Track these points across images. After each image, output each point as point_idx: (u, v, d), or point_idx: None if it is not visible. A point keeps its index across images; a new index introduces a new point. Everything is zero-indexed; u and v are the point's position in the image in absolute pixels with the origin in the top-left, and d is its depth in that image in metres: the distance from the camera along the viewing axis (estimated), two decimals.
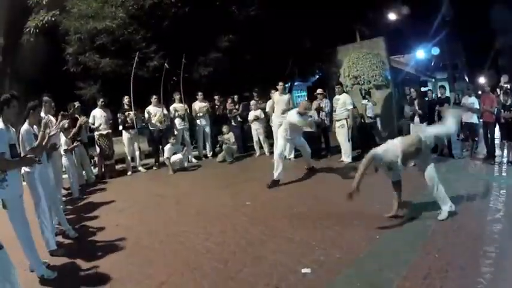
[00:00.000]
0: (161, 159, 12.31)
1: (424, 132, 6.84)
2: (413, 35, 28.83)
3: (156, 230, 6.45)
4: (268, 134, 13.07)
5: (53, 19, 14.15)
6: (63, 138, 8.61)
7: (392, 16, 23.07)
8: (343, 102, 11.18)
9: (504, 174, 9.29)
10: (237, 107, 13.90)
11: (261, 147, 13.19)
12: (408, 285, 4.10)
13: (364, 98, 13.82)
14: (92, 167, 11.66)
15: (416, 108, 10.42)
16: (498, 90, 12.58)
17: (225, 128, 12.77)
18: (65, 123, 8.62)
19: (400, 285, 4.11)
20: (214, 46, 15.12)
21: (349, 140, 11.21)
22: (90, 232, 6.61)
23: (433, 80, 32.79)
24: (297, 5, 16.23)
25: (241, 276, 4.57)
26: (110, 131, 11.42)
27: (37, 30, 14.39)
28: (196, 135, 13.49)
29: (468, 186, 8.14)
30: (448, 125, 6.65)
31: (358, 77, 14.15)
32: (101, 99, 11.61)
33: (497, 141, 10.99)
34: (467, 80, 39.24)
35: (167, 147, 11.41)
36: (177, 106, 12.86)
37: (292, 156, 12.02)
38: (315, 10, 16.90)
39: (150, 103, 12.30)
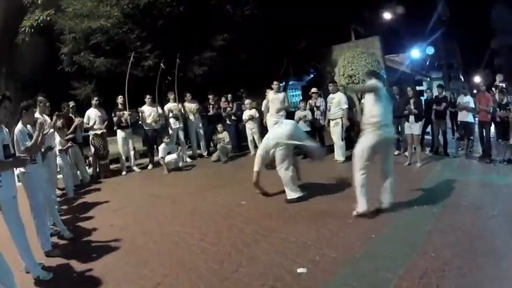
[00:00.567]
0: (156, 159, 12.29)
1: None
2: (409, 35, 28.92)
3: (151, 230, 6.43)
4: (263, 134, 13.05)
5: (48, 18, 14.10)
6: (57, 139, 8.58)
7: (387, 15, 23.11)
8: (337, 102, 11.14)
9: (500, 173, 9.30)
10: (230, 105, 13.89)
11: (255, 146, 13.14)
12: (405, 285, 4.08)
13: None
14: (87, 167, 11.62)
15: (412, 107, 10.40)
16: (494, 89, 12.58)
17: (219, 128, 12.76)
18: (60, 123, 8.59)
19: (397, 285, 4.09)
20: (209, 45, 15.08)
21: (342, 140, 11.18)
22: (85, 232, 6.58)
23: (428, 79, 32.84)
24: (292, 4, 16.21)
25: (236, 276, 4.54)
26: (104, 130, 11.39)
27: (32, 30, 14.33)
28: (190, 135, 13.47)
29: (464, 185, 8.16)
30: None
31: (353, 76, 14.19)
32: (95, 99, 11.56)
33: (492, 140, 11.01)
34: (462, 79, 39.35)
35: (161, 146, 11.38)
36: (172, 106, 12.86)
37: None
38: (310, 9, 16.90)
39: (144, 103, 12.27)
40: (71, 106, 10.83)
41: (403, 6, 24.17)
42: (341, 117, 11.11)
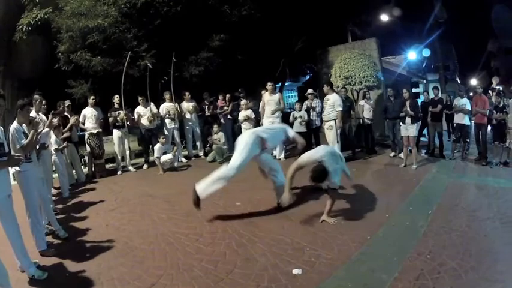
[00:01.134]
0: (151, 158, 12.28)
1: None
2: (405, 36, 28.92)
3: (146, 230, 6.41)
4: None
5: (46, 17, 14.05)
6: (53, 137, 8.54)
7: (384, 17, 23.12)
8: (331, 103, 11.06)
9: (496, 175, 9.31)
10: (227, 104, 13.88)
11: None
12: (400, 286, 4.09)
13: (357, 100, 13.86)
14: (82, 166, 11.59)
15: (408, 109, 10.41)
16: (490, 92, 12.63)
17: (215, 128, 12.74)
18: (56, 122, 8.58)
19: (392, 286, 4.10)
20: (206, 45, 15.08)
21: (337, 142, 11.15)
22: (80, 232, 6.55)
23: (425, 81, 32.87)
24: (289, 5, 16.21)
25: (231, 277, 4.54)
26: (100, 130, 11.36)
27: (29, 28, 14.27)
28: (186, 135, 13.46)
29: (459, 188, 8.18)
30: None
31: (349, 77, 14.17)
32: (92, 98, 11.55)
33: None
34: (459, 81, 39.41)
35: (157, 146, 11.36)
36: (167, 105, 12.83)
37: (282, 156, 12.02)
38: (307, 10, 16.90)
39: (139, 103, 12.26)
40: (66, 105, 10.80)
41: (400, 8, 24.18)
42: (334, 119, 11.04)
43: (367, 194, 7.78)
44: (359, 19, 20.76)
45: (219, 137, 12.57)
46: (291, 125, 12.15)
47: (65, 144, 9.08)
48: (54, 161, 8.77)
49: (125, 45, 13.57)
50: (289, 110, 14.52)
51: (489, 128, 11.07)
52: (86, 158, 11.90)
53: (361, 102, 12.86)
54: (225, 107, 13.78)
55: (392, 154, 12.04)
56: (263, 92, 12.37)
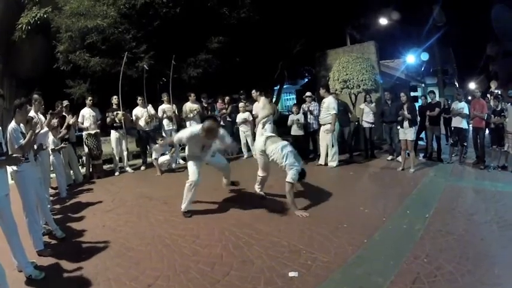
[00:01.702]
0: (149, 160, 12.27)
1: None
2: (404, 40, 28.98)
3: (142, 231, 6.40)
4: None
5: (45, 16, 14.07)
6: (51, 137, 8.53)
7: (383, 21, 23.16)
8: (327, 106, 11.05)
9: (493, 179, 9.32)
10: (226, 106, 13.89)
11: (248, 149, 13.17)
12: None
13: (355, 103, 13.85)
14: (80, 167, 11.58)
15: (405, 112, 10.41)
16: (488, 95, 12.64)
17: None
18: (55, 122, 8.57)
19: None
20: (205, 47, 15.09)
21: (332, 146, 11.14)
22: (77, 232, 6.53)
23: (423, 85, 32.95)
24: (288, 8, 16.23)
25: (228, 279, 4.53)
26: (98, 130, 11.35)
27: (29, 27, 14.29)
28: None
29: (457, 191, 8.19)
30: None
31: (347, 81, 14.14)
32: (90, 98, 11.54)
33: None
34: (457, 85, 39.49)
35: (155, 147, 11.35)
36: (165, 107, 12.80)
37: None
38: (305, 13, 16.93)
39: (138, 104, 12.25)
40: (64, 105, 10.78)
41: (399, 11, 24.23)
42: (330, 123, 11.02)
43: (364, 197, 7.78)
44: (358, 22, 20.83)
45: None
46: (289, 128, 12.17)
47: (63, 145, 9.05)
48: (52, 161, 8.77)
49: (123, 46, 13.57)
50: (287, 113, 14.51)
51: (487, 131, 11.08)
52: (84, 158, 11.88)
53: (362, 106, 12.84)
54: (224, 110, 13.79)
55: (389, 157, 12.04)
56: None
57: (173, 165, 11.89)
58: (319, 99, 12.26)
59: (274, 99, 20.96)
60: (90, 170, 11.44)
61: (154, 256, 5.32)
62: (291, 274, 4.53)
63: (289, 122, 12.20)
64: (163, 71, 13.45)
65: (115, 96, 11.80)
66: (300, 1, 16.50)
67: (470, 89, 32.98)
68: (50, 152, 8.47)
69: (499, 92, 11.76)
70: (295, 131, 12.01)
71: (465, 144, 11.41)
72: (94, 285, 4.55)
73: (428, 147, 12.12)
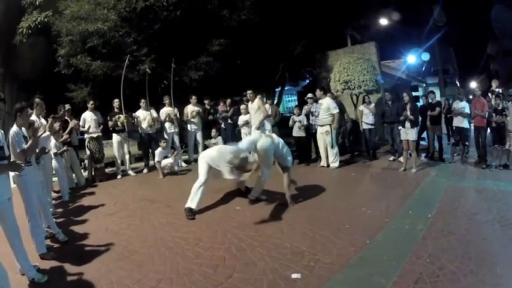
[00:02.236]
0: (151, 163, 12.28)
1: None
2: (405, 40, 28.98)
3: (145, 234, 6.40)
4: None
5: (46, 20, 14.08)
6: (53, 141, 8.54)
7: (383, 21, 23.16)
8: (326, 107, 11.03)
9: (495, 178, 9.31)
10: (228, 109, 13.90)
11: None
12: None
13: (356, 104, 13.85)
14: (82, 170, 11.58)
15: (408, 113, 10.40)
16: (490, 94, 12.63)
17: (213, 132, 12.73)
18: (56, 126, 8.57)
19: None
20: (205, 50, 15.10)
21: (332, 147, 11.14)
22: (80, 236, 6.54)
23: (424, 84, 32.92)
24: (288, 9, 16.24)
25: (231, 281, 4.53)
26: (100, 134, 11.36)
27: (30, 31, 14.31)
28: (187, 139, 13.46)
29: (459, 191, 8.18)
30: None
31: (348, 81, 14.16)
32: (91, 102, 11.55)
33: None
34: (458, 84, 39.46)
35: (158, 150, 11.36)
36: (167, 110, 12.82)
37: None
38: (306, 15, 16.94)
39: (140, 107, 12.26)
40: (66, 109, 10.80)
41: (399, 12, 24.23)
42: (329, 124, 11.03)
43: (366, 197, 7.78)
44: (358, 23, 20.85)
45: (216, 141, 12.56)
46: (291, 129, 12.17)
47: (65, 148, 9.07)
48: (54, 165, 8.76)
49: (124, 50, 13.58)
50: (288, 115, 14.51)
51: (488, 131, 11.07)
52: (86, 162, 11.89)
53: (361, 107, 12.83)
54: (225, 113, 13.80)
55: (391, 158, 12.04)
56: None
57: (175, 168, 11.89)
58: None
59: (275, 101, 20.92)
60: (93, 173, 11.44)
61: (157, 259, 5.32)
62: (294, 276, 4.53)
63: (290, 123, 12.19)
64: (164, 74, 13.46)
65: (116, 100, 11.80)
66: (300, 3, 16.51)
67: (471, 88, 32.92)
68: (52, 155, 8.47)
69: (500, 91, 11.74)
70: (296, 132, 12.02)
71: (467, 143, 11.42)
72: None
73: (430, 147, 12.12)
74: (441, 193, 8.00)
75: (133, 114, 12.25)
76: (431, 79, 31.70)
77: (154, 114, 12.42)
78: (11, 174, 5.22)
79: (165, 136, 12.47)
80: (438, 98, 13.10)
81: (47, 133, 7.50)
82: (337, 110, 10.97)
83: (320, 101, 11.30)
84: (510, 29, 31.47)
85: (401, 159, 11.11)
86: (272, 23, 16.00)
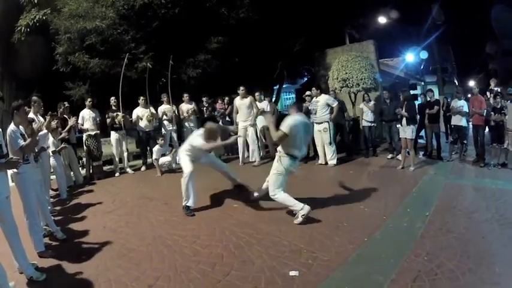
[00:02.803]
0: (149, 160, 12.27)
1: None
2: (403, 39, 28.97)
3: (143, 232, 6.40)
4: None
5: (44, 18, 14.05)
6: (51, 139, 8.53)
7: (382, 19, 23.15)
8: (323, 104, 11.06)
9: (493, 177, 9.32)
10: (226, 107, 13.90)
11: (248, 150, 13.18)
12: None
13: (354, 102, 13.86)
14: (80, 168, 11.58)
15: (402, 111, 10.40)
16: (488, 93, 12.64)
17: None
18: (54, 123, 8.56)
19: None
20: (204, 48, 15.08)
21: (330, 144, 11.14)
22: (78, 234, 6.54)
23: (423, 83, 32.95)
24: (287, 7, 16.22)
25: (228, 279, 4.53)
26: (98, 131, 11.36)
27: (28, 29, 14.27)
28: (184, 137, 13.45)
29: (457, 189, 8.19)
30: None
31: (347, 79, 14.15)
32: (89, 100, 11.55)
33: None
34: (456, 83, 39.49)
35: (156, 148, 11.36)
36: (165, 108, 12.83)
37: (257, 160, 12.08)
38: (305, 13, 16.91)
39: (138, 104, 12.27)
40: (65, 106, 10.79)
41: (398, 10, 24.22)
42: (327, 121, 11.05)
43: (364, 195, 7.77)
44: (357, 21, 20.80)
45: None
46: None
47: (63, 145, 9.05)
48: (52, 163, 8.76)
49: (122, 47, 13.55)
50: (286, 112, 14.51)
51: (487, 129, 11.08)
52: (84, 159, 11.89)
53: (361, 105, 12.84)
54: (223, 110, 13.81)
55: (389, 156, 12.05)
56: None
57: (173, 166, 11.88)
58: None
59: (273, 99, 20.92)
60: (91, 171, 11.44)
61: (155, 257, 5.32)
62: (292, 273, 4.53)
63: None
64: (162, 72, 13.44)
65: (113, 98, 11.80)
66: (298, 1, 16.49)
67: (469, 87, 32.95)
68: (50, 153, 8.47)
69: (499, 90, 11.75)
70: None
71: (465, 142, 11.43)
72: (95, 286, 4.55)
73: (428, 145, 12.12)
74: (439, 191, 8.01)
75: (133, 112, 12.24)
76: (430, 77, 31.77)
77: (153, 111, 12.41)
78: (9, 172, 5.21)
79: (163, 133, 12.45)
80: (436, 96, 13.07)
81: (45, 131, 7.49)
82: (337, 103, 11.04)
83: (317, 99, 11.29)
84: (510, 28, 31.49)
85: (399, 157, 11.11)
86: (271, 21, 15.97)
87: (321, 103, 11.07)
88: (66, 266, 5.16)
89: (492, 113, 10.49)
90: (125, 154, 12.00)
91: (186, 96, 13.18)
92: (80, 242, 6.17)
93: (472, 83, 36.45)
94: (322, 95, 11.35)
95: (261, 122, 12.19)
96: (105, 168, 12.20)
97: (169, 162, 11.63)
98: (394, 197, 7.67)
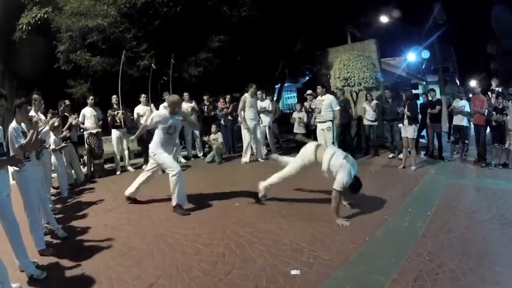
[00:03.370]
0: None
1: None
2: (405, 38, 28.91)
3: (144, 230, 6.39)
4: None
5: (46, 16, 14.05)
6: (52, 137, 8.53)
7: (384, 19, 23.12)
8: (328, 104, 11.02)
9: (495, 177, 9.32)
10: (227, 105, 13.91)
11: (250, 148, 13.20)
12: (398, 287, 4.08)
13: (356, 101, 13.85)
14: (81, 166, 11.58)
15: (405, 110, 10.41)
16: (490, 93, 12.62)
17: (213, 128, 12.74)
18: (55, 121, 8.55)
19: (390, 287, 4.09)
20: (205, 46, 15.09)
21: (333, 143, 11.13)
22: (79, 232, 6.53)
23: (424, 82, 32.90)
24: (289, 6, 16.22)
25: (230, 278, 4.53)
26: (99, 130, 11.37)
27: (29, 28, 14.28)
28: (184, 136, 13.44)
29: (458, 189, 8.18)
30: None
31: (348, 79, 14.17)
32: (91, 98, 11.55)
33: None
34: (458, 83, 39.41)
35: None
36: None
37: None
38: (306, 11, 16.91)
39: (139, 102, 12.26)
40: (66, 104, 10.79)
41: (400, 9, 24.18)
42: (331, 120, 11.01)
43: (365, 195, 7.75)
44: (358, 20, 20.81)
45: (216, 137, 12.57)
46: (291, 126, 12.19)
47: (64, 144, 9.05)
48: (53, 161, 8.77)
49: (124, 45, 13.56)
50: (288, 111, 14.55)
51: (488, 129, 11.07)
52: (85, 158, 11.90)
53: (364, 104, 12.86)
54: (225, 109, 13.81)
55: (391, 155, 12.05)
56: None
57: None
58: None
59: (275, 98, 20.91)
60: (92, 169, 11.46)
61: (156, 255, 5.32)
62: (293, 272, 4.53)
63: (291, 120, 12.22)
64: (163, 70, 13.45)
65: (114, 96, 11.82)
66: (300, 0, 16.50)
67: (471, 86, 32.90)
68: (52, 151, 8.47)
69: (500, 90, 11.74)
70: (297, 128, 12.05)
71: (466, 142, 11.43)
72: (96, 284, 4.55)
73: (430, 145, 12.12)
74: (441, 191, 8.01)
75: (135, 109, 12.25)
76: (431, 77, 31.68)
77: (154, 109, 12.40)
78: (10, 170, 5.21)
79: None
80: (438, 96, 13.06)
81: (47, 128, 7.49)
82: (338, 107, 10.97)
83: (321, 98, 11.25)
84: (510, 29, 31.45)
85: (400, 156, 11.12)
86: (272, 20, 15.98)
87: (326, 102, 11.00)
88: (67, 264, 5.15)
89: (494, 112, 10.47)
90: (126, 152, 12.03)
91: (186, 95, 13.18)
92: (81, 240, 6.17)
93: (473, 83, 36.41)
94: (327, 94, 11.30)
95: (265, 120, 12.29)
96: (106, 166, 12.22)
97: None
98: (396, 196, 7.66)
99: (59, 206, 8.34)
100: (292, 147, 13.61)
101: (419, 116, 11.28)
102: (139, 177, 8.03)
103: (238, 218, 6.73)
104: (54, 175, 9.19)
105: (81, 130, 11.47)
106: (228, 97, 14.17)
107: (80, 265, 5.04)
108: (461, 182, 9.02)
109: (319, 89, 11.43)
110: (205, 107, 13.74)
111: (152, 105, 12.42)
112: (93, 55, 13.70)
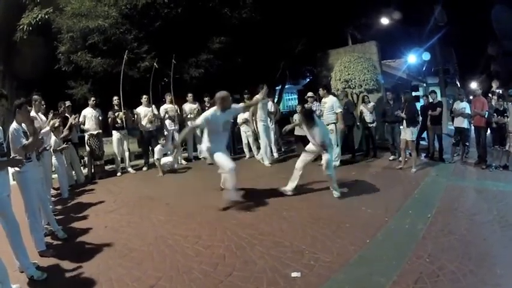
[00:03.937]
0: (151, 160, 12.27)
1: None
2: (405, 40, 28.93)
3: (145, 232, 6.40)
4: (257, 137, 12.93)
5: (46, 17, 14.05)
6: (53, 138, 8.53)
7: (384, 21, 23.14)
8: (330, 106, 10.98)
9: (495, 179, 9.30)
10: None
11: (250, 149, 13.18)
12: None
13: (356, 103, 13.84)
14: (82, 167, 11.58)
15: (401, 113, 10.43)
16: (490, 95, 12.61)
17: None
18: (56, 122, 8.56)
19: None
20: (206, 48, 15.08)
21: (338, 145, 11.12)
22: (79, 233, 6.54)
23: (425, 84, 32.88)
24: (289, 8, 16.21)
25: (230, 279, 4.53)
26: (100, 131, 11.38)
27: (30, 28, 14.27)
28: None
29: (459, 191, 8.18)
30: None
31: (349, 80, 14.16)
32: (92, 99, 11.56)
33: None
34: (458, 85, 39.40)
35: (157, 148, 11.37)
36: (168, 107, 12.83)
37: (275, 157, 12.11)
38: (307, 13, 16.90)
39: (140, 103, 12.27)
40: (67, 105, 10.80)
41: (400, 11, 24.19)
42: (334, 122, 10.99)
43: (366, 197, 7.76)
44: (359, 22, 20.79)
45: None
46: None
47: (65, 145, 9.05)
48: (54, 162, 8.77)
49: (125, 47, 13.54)
50: (287, 113, 14.55)
51: (489, 131, 11.06)
52: (86, 159, 11.90)
53: (361, 107, 12.86)
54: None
55: (391, 157, 12.02)
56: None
57: (175, 166, 11.89)
58: (320, 99, 12.23)
59: (276, 99, 20.90)
60: (92, 170, 11.47)
61: (156, 257, 5.32)
62: (294, 274, 4.53)
63: (292, 121, 12.20)
64: (164, 71, 13.45)
65: (116, 97, 11.82)
66: (301, 1, 16.48)
67: (471, 88, 32.88)
68: (52, 152, 8.47)
69: (501, 92, 11.73)
70: (298, 130, 12.01)
71: (467, 144, 11.41)
72: (96, 285, 4.56)
73: (430, 147, 12.10)
74: (441, 193, 8.00)
75: (134, 110, 12.26)
76: (432, 79, 31.68)
77: (155, 111, 12.42)
78: (11, 171, 5.21)
79: (165, 133, 12.45)
80: (439, 98, 13.04)
81: (47, 128, 7.50)
82: (341, 110, 10.94)
83: (324, 100, 11.24)
84: (511, 29, 31.43)
85: (401, 158, 11.11)
86: (273, 22, 15.96)
87: (328, 105, 10.97)
88: (67, 265, 5.16)
89: (494, 114, 10.46)
90: (126, 154, 12.04)
91: (190, 96, 13.19)
92: (81, 241, 6.17)
93: (474, 85, 36.41)
94: (330, 96, 11.28)
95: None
96: (106, 167, 12.22)
97: (172, 163, 11.63)
98: (396, 198, 7.66)
99: (59, 207, 8.35)
100: (293, 149, 13.65)
101: (420, 118, 11.28)
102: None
103: (239, 220, 6.74)
104: (54, 176, 9.21)
105: (82, 131, 11.48)
106: None
107: (80, 266, 5.06)
108: (462, 184, 9.01)
109: (321, 91, 11.41)
110: (206, 108, 13.72)
111: (153, 106, 12.43)
112: (94, 56, 13.69)
